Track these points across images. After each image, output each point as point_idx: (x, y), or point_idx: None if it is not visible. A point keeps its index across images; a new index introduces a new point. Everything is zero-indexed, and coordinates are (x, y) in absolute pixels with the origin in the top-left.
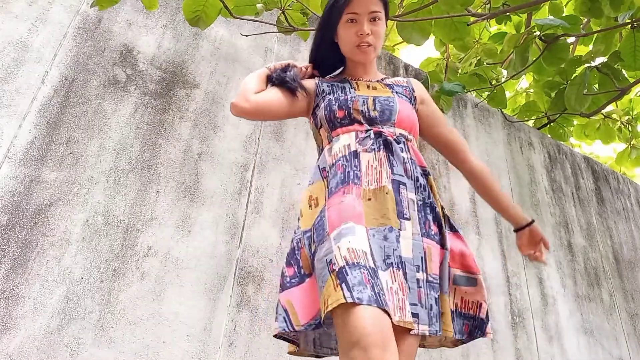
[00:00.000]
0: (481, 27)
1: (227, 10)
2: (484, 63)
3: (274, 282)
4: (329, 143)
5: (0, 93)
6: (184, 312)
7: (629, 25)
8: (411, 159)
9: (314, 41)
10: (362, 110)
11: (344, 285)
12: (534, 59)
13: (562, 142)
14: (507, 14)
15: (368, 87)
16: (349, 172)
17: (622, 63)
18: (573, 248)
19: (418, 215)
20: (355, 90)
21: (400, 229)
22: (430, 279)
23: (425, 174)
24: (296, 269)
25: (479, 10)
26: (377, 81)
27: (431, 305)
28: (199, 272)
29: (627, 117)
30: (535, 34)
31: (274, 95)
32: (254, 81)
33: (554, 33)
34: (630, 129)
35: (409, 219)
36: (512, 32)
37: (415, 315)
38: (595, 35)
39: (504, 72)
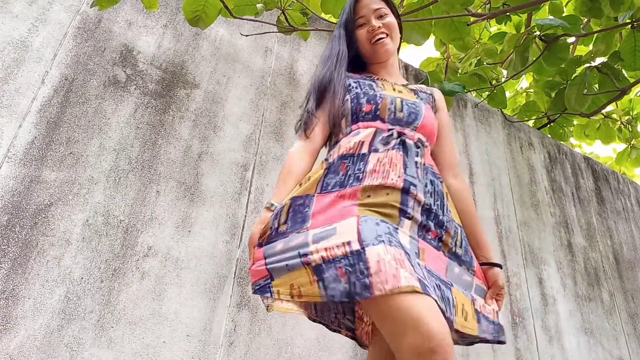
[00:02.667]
0: (481, 27)
1: (227, 10)
2: (484, 63)
3: None
4: (345, 135)
5: (0, 93)
6: (184, 312)
7: (629, 25)
8: (424, 164)
9: (332, 47)
10: (389, 109)
11: (320, 283)
12: (534, 59)
13: (562, 142)
14: (507, 14)
15: (394, 89)
16: (350, 175)
17: (622, 63)
18: (573, 248)
19: (421, 217)
20: (381, 89)
21: (398, 226)
22: (428, 269)
23: (441, 182)
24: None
25: (479, 10)
26: (402, 85)
27: (434, 286)
28: (199, 272)
29: (627, 117)
30: (535, 34)
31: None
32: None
33: (554, 33)
34: (630, 129)
35: (410, 219)
36: (512, 32)
37: (423, 285)
38: (595, 35)
39: (504, 72)
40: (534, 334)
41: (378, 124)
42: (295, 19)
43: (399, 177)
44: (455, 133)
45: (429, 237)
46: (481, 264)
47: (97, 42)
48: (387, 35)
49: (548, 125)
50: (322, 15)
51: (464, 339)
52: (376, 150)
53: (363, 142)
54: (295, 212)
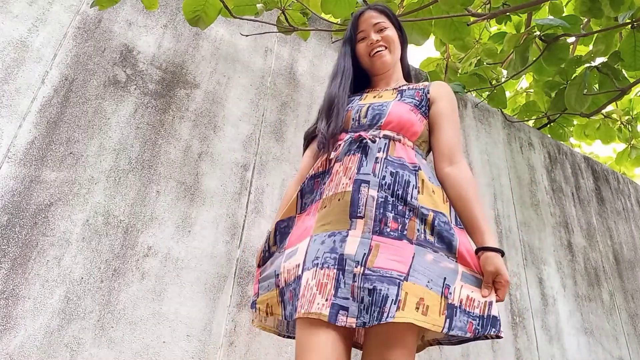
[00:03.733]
0: (481, 27)
1: (227, 10)
2: (484, 63)
3: None
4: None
5: (0, 93)
6: (184, 312)
7: (629, 25)
8: (387, 158)
9: (337, 70)
10: (353, 119)
11: (281, 305)
12: (534, 59)
13: (562, 142)
14: (507, 14)
15: (375, 96)
16: (320, 188)
17: (622, 63)
18: (573, 248)
19: (375, 212)
20: (360, 101)
21: (350, 229)
22: (367, 272)
23: (415, 170)
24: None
25: (479, 10)
26: (394, 89)
27: (362, 297)
28: (199, 272)
29: (627, 117)
30: (535, 34)
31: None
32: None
33: (554, 33)
34: (630, 129)
35: (362, 217)
36: (512, 32)
37: (344, 308)
38: (595, 35)
39: (504, 72)
40: (534, 334)
41: (343, 136)
42: (295, 19)
43: (349, 179)
44: None
45: (388, 229)
46: (476, 251)
47: (97, 42)
48: (386, 47)
49: (548, 125)
50: (322, 15)
51: (452, 337)
52: (339, 161)
53: (331, 158)
54: (282, 235)
